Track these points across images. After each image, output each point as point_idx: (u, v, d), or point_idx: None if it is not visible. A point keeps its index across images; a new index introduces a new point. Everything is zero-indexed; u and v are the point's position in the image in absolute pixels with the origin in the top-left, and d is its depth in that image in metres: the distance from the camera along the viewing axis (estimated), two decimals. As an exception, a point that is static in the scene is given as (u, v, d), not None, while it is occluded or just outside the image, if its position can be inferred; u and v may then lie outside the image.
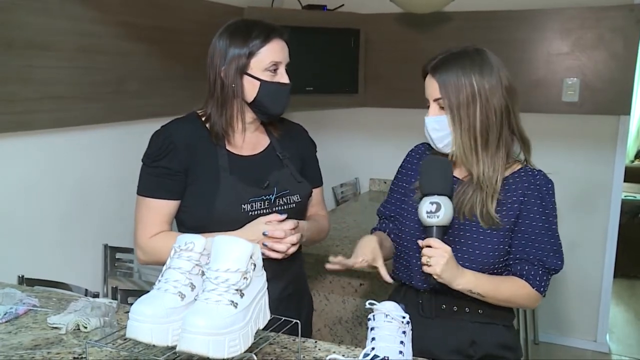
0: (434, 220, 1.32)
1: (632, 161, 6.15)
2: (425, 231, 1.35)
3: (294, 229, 1.48)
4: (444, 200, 1.32)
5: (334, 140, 3.75)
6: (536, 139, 3.33)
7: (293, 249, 1.49)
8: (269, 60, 1.47)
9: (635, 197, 4.81)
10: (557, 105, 3.24)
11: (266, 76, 1.48)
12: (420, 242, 1.36)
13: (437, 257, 1.30)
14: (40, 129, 2.09)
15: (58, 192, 2.20)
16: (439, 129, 1.40)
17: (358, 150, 3.76)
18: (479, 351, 1.43)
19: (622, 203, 3.25)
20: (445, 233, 1.36)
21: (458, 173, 1.47)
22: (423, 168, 1.39)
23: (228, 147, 1.54)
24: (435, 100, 1.39)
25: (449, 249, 1.32)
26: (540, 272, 1.38)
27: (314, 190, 1.66)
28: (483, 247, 1.39)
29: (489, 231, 1.40)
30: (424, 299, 1.47)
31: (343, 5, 3.50)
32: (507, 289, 1.39)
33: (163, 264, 1.45)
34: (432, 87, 1.40)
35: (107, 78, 2.35)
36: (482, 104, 1.36)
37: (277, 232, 1.45)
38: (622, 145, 3.19)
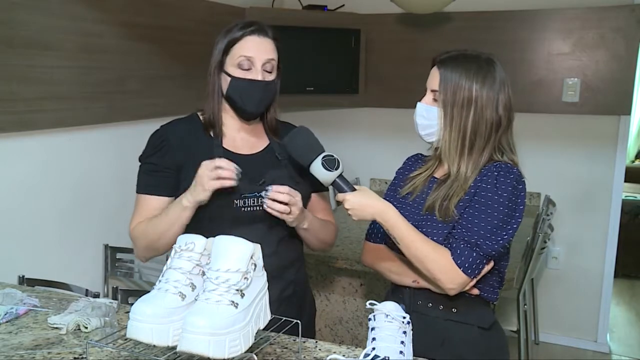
0: (337, 172, 1.38)
1: (633, 161, 6.15)
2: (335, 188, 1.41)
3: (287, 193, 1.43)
4: (331, 154, 1.39)
5: (334, 140, 3.74)
6: (537, 139, 3.33)
7: (289, 214, 1.44)
8: (239, 55, 1.48)
9: (635, 197, 4.81)
10: (558, 106, 3.24)
11: (238, 72, 1.49)
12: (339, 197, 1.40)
13: (352, 210, 1.37)
14: (42, 128, 2.09)
15: (59, 192, 2.21)
16: (426, 117, 1.44)
17: (358, 150, 3.76)
18: (448, 355, 1.41)
19: (622, 203, 3.26)
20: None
21: (438, 173, 1.50)
22: (291, 145, 1.43)
23: (225, 145, 1.55)
24: (433, 91, 1.44)
25: (349, 197, 1.36)
26: (468, 251, 1.34)
27: (317, 195, 1.65)
28: (435, 240, 1.39)
29: (441, 224, 1.41)
30: (405, 294, 1.48)
31: (343, 5, 3.50)
32: (425, 247, 1.36)
33: (152, 245, 1.49)
34: (433, 78, 1.44)
35: (108, 78, 2.35)
36: (476, 111, 1.39)
37: (282, 196, 1.41)
38: (623, 146, 3.20)
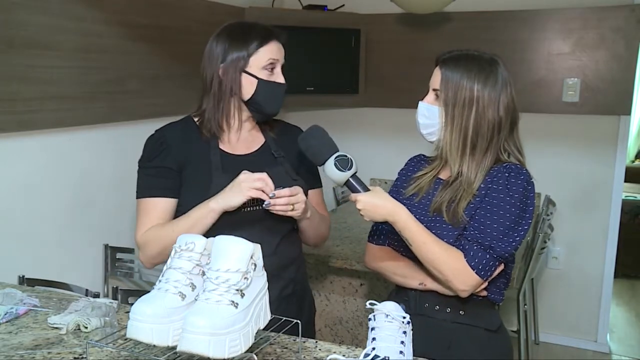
0: (349, 173, 1.37)
1: (633, 161, 6.15)
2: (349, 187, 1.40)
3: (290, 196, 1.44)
4: (345, 154, 1.39)
5: (335, 140, 3.74)
6: (536, 139, 3.34)
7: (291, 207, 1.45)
8: (267, 58, 1.50)
9: (635, 197, 4.81)
10: (558, 106, 3.24)
11: (263, 75, 1.50)
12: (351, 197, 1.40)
13: (364, 210, 1.36)
14: (42, 128, 2.09)
15: (59, 192, 2.21)
16: (427, 116, 1.45)
17: (358, 150, 3.75)
18: (455, 358, 1.40)
19: (622, 203, 3.26)
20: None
21: (443, 174, 1.50)
22: (304, 144, 1.43)
23: (222, 146, 1.55)
24: (434, 90, 1.44)
25: (361, 197, 1.36)
26: (482, 253, 1.34)
27: (312, 191, 1.66)
28: (446, 242, 1.39)
29: (450, 226, 1.40)
30: (411, 296, 1.47)
31: (343, 5, 3.50)
32: (437, 249, 1.35)
33: (164, 253, 1.46)
34: (435, 77, 1.44)
35: (108, 77, 2.35)
36: (477, 111, 1.39)
37: (281, 201, 1.42)
38: (623, 145, 3.20)
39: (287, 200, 1.41)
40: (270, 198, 1.40)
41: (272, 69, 1.52)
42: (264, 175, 1.41)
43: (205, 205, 1.43)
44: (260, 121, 1.60)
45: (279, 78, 1.53)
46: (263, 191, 1.40)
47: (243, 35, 1.50)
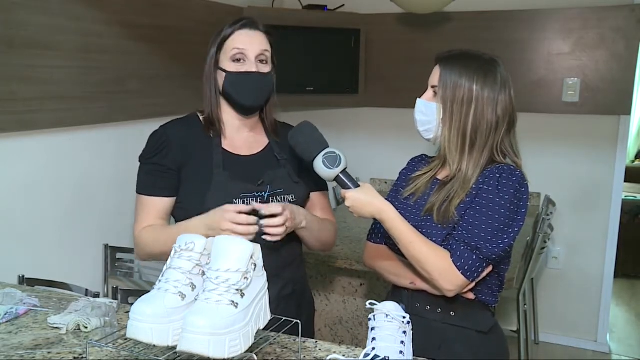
0: (338, 170, 1.37)
1: (633, 161, 6.15)
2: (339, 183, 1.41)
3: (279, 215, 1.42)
4: (333, 150, 1.39)
5: (334, 140, 3.71)
6: (536, 139, 3.33)
7: (281, 230, 1.42)
8: (232, 48, 1.49)
9: (635, 197, 4.81)
10: (558, 106, 3.24)
11: (232, 67, 1.49)
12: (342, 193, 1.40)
13: (352, 207, 1.37)
14: (42, 128, 2.09)
15: (59, 192, 2.20)
16: (425, 112, 1.44)
17: (358, 150, 3.76)
18: (446, 358, 1.40)
19: (622, 203, 3.26)
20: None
21: (441, 175, 1.50)
22: (293, 141, 1.43)
23: (225, 146, 1.55)
24: (432, 87, 1.44)
25: (350, 194, 1.36)
26: (468, 254, 1.33)
27: (317, 194, 1.65)
28: (434, 242, 1.38)
29: (439, 226, 1.40)
30: (404, 296, 1.47)
31: (343, 5, 3.50)
32: (424, 248, 1.34)
33: (155, 256, 1.51)
34: (434, 74, 1.44)
35: (108, 77, 2.35)
36: (476, 110, 1.39)
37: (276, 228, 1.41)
38: (623, 146, 3.20)
39: (283, 220, 1.39)
40: (261, 227, 1.38)
41: (240, 59, 1.49)
42: (240, 217, 1.36)
43: (202, 231, 1.39)
44: (244, 115, 1.57)
45: (251, 67, 1.49)
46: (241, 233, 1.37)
47: (218, 31, 1.51)
